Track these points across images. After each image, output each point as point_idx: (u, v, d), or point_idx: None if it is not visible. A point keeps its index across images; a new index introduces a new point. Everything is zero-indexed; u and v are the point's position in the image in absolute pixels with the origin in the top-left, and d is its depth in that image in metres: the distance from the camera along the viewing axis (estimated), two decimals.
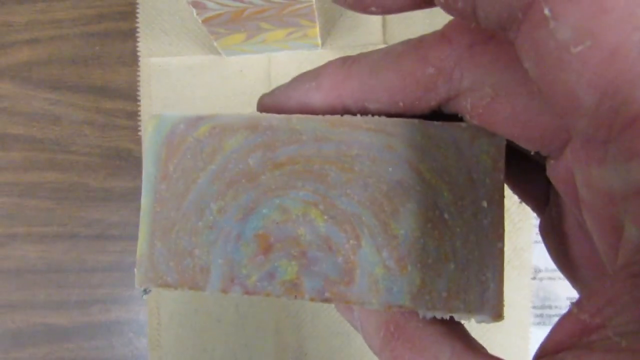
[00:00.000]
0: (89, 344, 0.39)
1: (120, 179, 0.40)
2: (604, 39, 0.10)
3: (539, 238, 0.37)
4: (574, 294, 0.37)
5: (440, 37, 0.15)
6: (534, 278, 0.38)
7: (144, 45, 0.40)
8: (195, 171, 0.15)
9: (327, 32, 0.40)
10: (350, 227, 0.15)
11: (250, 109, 0.19)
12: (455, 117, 0.15)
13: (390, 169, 0.15)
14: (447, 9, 0.13)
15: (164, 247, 0.15)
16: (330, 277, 0.15)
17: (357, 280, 0.14)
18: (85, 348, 0.39)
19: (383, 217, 0.15)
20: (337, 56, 0.41)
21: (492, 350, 0.14)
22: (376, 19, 0.40)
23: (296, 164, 0.15)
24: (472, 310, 0.14)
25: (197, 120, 0.16)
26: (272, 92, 0.17)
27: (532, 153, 0.15)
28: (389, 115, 0.15)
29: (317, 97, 0.16)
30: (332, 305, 0.37)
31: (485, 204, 0.14)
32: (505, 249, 0.34)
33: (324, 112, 0.16)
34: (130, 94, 0.40)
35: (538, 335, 0.37)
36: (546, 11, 0.11)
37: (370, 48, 0.39)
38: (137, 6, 0.40)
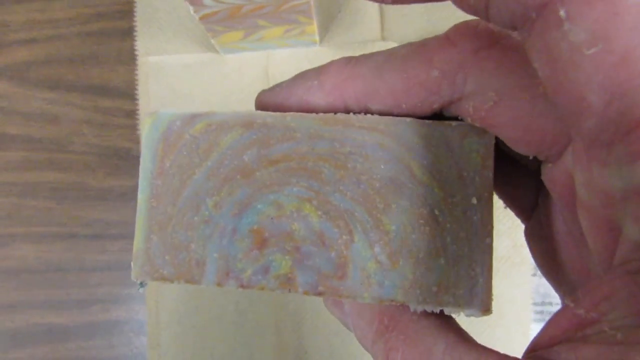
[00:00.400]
0: (89, 344, 0.39)
1: (119, 178, 0.39)
2: (616, 42, 0.10)
3: None
4: None
5: (445, 40, 0.15)
6: (534, 274, 0.37)
7: (142, 43, 0.40)
8: (191, 167, 0.16)
9: (325, 29, 0.39)
10: (343, 222, 0.15)
11: (249, 106, 0.19)
12: (455, 120, 0.16)
13: (382, 167, 0.15)
14: (460, 4, 0.13)
15: (160, 241, 0.16)
16: (324, 271, 0.15)
17: (349, 275, 0.15)
18: (84, 347, 0.38)
19: (375, 213, 0.15)
20: (336, 53, 0.41)
21: (492, 346, 0.14)
22: (374, 16, 0.40)
23: (290, 161, 0.15)
24: (462, 304, 0.15)
25: (193, 118, 0.16)
26: (272, 88, 0.17)
27: (530, 158, 0.15)
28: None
29: (318, 96, 0.16)
30: None
31: (474, 200, 0.15)
32: (505, 245, 0.34)
33: (324, 112, 0.16)
34: (129, 93, 0.40)
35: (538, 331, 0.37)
36: (561, 12, 0.11)
37: (369, 45, 0.39)
38: (135, 5, 0.40)
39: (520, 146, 0.15)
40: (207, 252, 0.15)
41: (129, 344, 0.38)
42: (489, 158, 0.15)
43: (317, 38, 0.38)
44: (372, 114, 0.16)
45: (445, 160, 0.15)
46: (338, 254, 0.15)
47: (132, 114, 0.40)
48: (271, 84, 0.17)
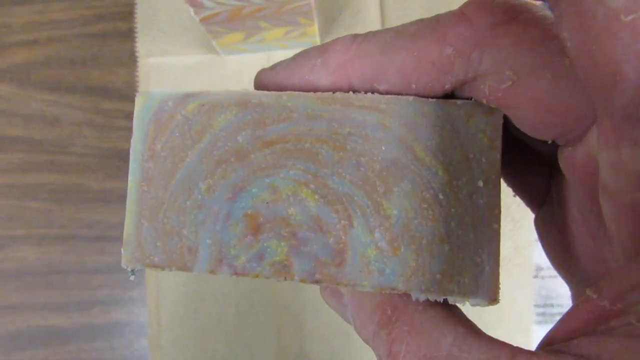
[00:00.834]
0: (90, 346, 0.38)
1: (119, 180, 0.39)
2: None
3: None
4: None
5: (460, 16, 0.14)
6: (535, 276, 0.37)
7: (143, 45, 0.40)
8: (184, 149, 0.15)
9: (326, 30, 0.39)
10: (341, 207, 0.14)
11: None
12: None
13: (383, 148, 0.14)
14: None
15: (151, 227, 0.15)
16: (321, 258, 0.14)
17: (348, 262, 0.14)
18: (85, 350, 0.38)
19: (376, 197, 0.14)
20: None
21: None
22: (375, 18, 0.40)
23: (287, 143, 0.15)
24: (467, 293, 0.14)
25: (186, 98, 0.15)
26: (273, 67, 0.16)
27: (549, 142, 0.14)
28: None
29: (322, 75, 0.15)
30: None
31: (481, 183, 0.14)
32: (507, 247, 0.34)
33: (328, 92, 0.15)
34: (129, 95, 0.40)
35: (540, 334, 0.37)
36: None
37: None
38: (135, 6, 0.40)
39: (538, 129, 0.14)
40: (200, 238, 0.15)
41: (129, 346, 0.38)
42: (496, 138, 0.14)
43: (318, 40, 0.38)
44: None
45: (450, 141, 0.14)
46: (336, 240, 0.14)
47: (132, 116, 0.40)
48: None
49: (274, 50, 0.39)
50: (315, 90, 0.15)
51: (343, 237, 0.14)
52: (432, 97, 0.15)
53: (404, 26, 0.15)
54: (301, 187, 0.15)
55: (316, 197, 0.15)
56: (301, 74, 0.15)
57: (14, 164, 0.40)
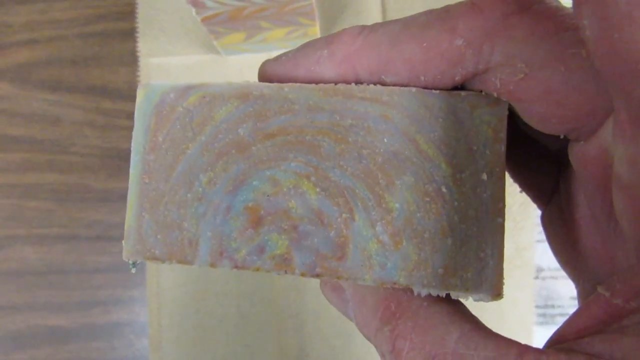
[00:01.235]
0: (90, 346, 0.38)
1: (120, 180, 0.39)
2: None
3: (542, 237, 0.37)
4: (577, 293, 0.37)
5: (471, 6, 0.14)
6: (536, 277, 0.37)
7: (144, 45, 0.40)
8: (185, 142, 0.15)
9: (328, 30, 0.39)
10: (343, 200, 0.14)
11: None
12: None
13: (385, 140, 0.14)
14: None
15: (152, 220, 0.15)
16: (322, 251, 0.14)
17: (349, 255, 0.14)
18: (86, 349, 0.38)
19: (377, 190, 0.14)
20: None
21: None
22: (377, 18, 0.40)
23: (288, 135, 0.15)
24: (470, 288, 0.14)
25: (187, 90, 0.15)
26: (278, 58, 0.16)
27: (561, 137, 0.14)
28: None
29: (328, 66, 0.15)
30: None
31: (485, 176, 0.14)
32: (507, 248, 0.34)
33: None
34: (130, 94, 0.40)
35: (541, 334, 0.37)
36: None
37: None
38: (137, 6, 0.40)
39: (550, 123, 0.14)
40: (200, 231, 0.15)
41: (130, 346, 0.38)
42: (501, 130, 0.14)
43: None
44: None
45: (453, 133, 0.14)
46: (337, 233, 0.14)
47: (133, 116, 0.40)
48: None
49: (275, 51, 0.39)
50: (320, 82, 0.15)
51: (344, 231, 0.14)
52: (441, 89, 0.14)
53: (413, 17, 0.14)
54: (302, 179, 0.14)
55: (317, 190, 0.14)
56: (307, 65, 0.15)
57: (15, 163, 0.40)
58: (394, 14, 0.40)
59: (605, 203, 0.13)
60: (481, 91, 0.14)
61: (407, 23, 0.14)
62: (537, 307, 0.37)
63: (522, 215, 0.32)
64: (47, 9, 0.41)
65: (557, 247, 0.17)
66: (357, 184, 0.14)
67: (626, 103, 0.11)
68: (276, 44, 0.38)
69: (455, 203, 0.14)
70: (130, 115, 0.40)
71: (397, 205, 0.14)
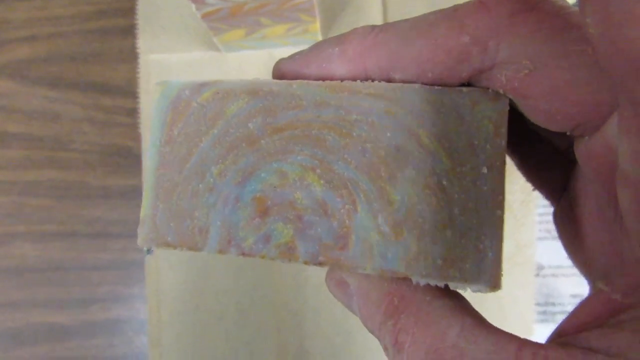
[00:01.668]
0: (90, 343, 0.38)
1: (119, 177, 0.39)
2: None
3: (542, 235, 0.37)
4: (577, 291, 0.37)
5: (478, 4, 0.14)
6: (537, 275, 0.37)
7: (144, 41, 0.39)
8: (198, 135, 0.16)
9: (328, 27, 0.39)
10: (346, 192, 0.15)
11: None
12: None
13: (389, 134, 0.15)
14: None
15: (166, 209, 0.16)
16: (325, 241, 0.15)
17: (351, 245, 0.15)
18: (85, 347, 0.38)
19: (380, 182, 0.15)
20: None
21: None
22: (377, 15, 0.39)
23: (295, 129, 0.15)
24: (469, 279, 0.14)
25: (201, 86, 0.16)
26: (292, 57, 0.17)
27: (568, 133, 0.14)
28: None
29: (339, 64, 0.16)
30: (335, 303, 0.36)
31: (485, 170, 0.14)
32: (508, 245, 0.34)
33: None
34: (130, 91, 0.40)
35: (541, 332, 0.37)
36: None
37: None
38: (137, 3, 0.40)
39: (555, 120, 0.14)
40: (211, 220, 0.15)
41: (129, 343, 0.38)
42: (502, 125, 0.14)
43: (319, 37, 0.38)
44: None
45: (455, 127, 0.15)
46: (340, 224, 0.15)
47: (133, 113, 0.40)
48: None
49: (275, 47, 0.39)
50: (331, 79, 0.16)
51: (347, 221, 0.15)
52: (449, 86, 0.15)
53: (424, 16, 0.15)
54: (308, 172, 0.15)
55: (322, 182, 0.15)
56: (318, 63, 0.16)
57: (14, 160, 0.40)
58: (394, 10, 0.40)
59: (611, 199, 0.14)
60: (488, 88, 0.15)
61: (417, 21, 0.15)
62: (538, 304, 0.37)
63: (523, 212, 0.32)
64: (46, 6, 0.41)
65: (568, 243, 0.17)
66: (360, 177, 0.15)
67: (630, 99, 0.11)
68: (276, 40, 0.38)
69: (456, 196, 0.14)
70: (129, 112, 0.40)
71: (398, 197, 0.14)
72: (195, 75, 0.39)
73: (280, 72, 0.17)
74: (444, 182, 0.14)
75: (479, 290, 0.14)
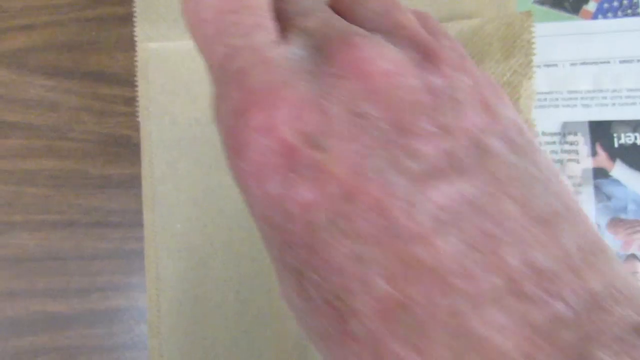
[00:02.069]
0: (89, 332, 0.38)
1: (118, 166, 0.39)
2: None
3: None
4: None
5: None
6: None
7: (141, 30, 0.39)
8: None
9: None
10: None
11: None
12: None
13: None
14: None
15: None
16: None
17: None
18: (85, 336, 0.38)
19: None
20: None
21: None
22: None
23: None
24: None
25: None
26: None
27: None
28: None
29: None
30: None
31: None
32: None
33: None
34: (128, 80, 0.40)
35: None
36: None
37: None
38: None
39: None
40: None
41: (129, 332, 0.38)
42: None
43: None
44: None
45: None
46: None
47: (131, 101, 0.39)
48: None
49: None
50: None
51: None
52: None
53: None
54: None
55: None
56: None
57: (12, 149, 0.40)
58: None
59: None
60: None
61: None
62: None
63: None
64: None
65: None
66: None
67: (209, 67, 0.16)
68: None
69: None
70: (128, 101, 0.40)
71: None
72: (194, 63, 0.39)
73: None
74: None
75: None
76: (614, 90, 0.38)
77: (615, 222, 0.37)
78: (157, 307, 0.37)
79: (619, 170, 0.37)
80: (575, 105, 0.38)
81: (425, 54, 0.14)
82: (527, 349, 0.11)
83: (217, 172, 0.38)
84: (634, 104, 0.38)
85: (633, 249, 0.37)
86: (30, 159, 0.39)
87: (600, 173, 0.38)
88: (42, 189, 0.39)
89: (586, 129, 0.38)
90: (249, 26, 0.15)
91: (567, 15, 0.39)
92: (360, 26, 0.15)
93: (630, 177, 0.37)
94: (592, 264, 0.13)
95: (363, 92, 0.13)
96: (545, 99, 0.39)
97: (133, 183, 0.39)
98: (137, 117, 0.39)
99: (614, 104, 0.38)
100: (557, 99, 0.39)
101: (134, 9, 0.39)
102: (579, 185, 0.38)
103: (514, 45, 0.33)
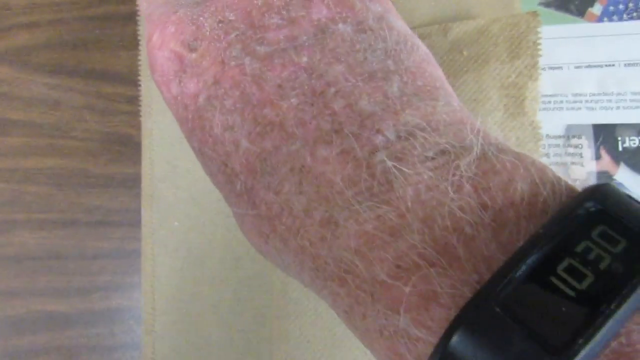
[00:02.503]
0: (90, 331, 0.38)
1: (120, 165, 0.39)
2: None
3: None
4: None
5: None
6: None
7: (145, 28, 0.39)
8: None
9: None
10: None
11: None
12: None
13: None
14: None
15: None
16: None
17: None
18: (85, 335, 0.38)
19: None
20: None
21: None
22: None
23: None
24: None
25: None
26: None
27: None
28: None
29: None
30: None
31: None
32: None
33: None
34: (131, 79, 0.39)
35: None
36: None
37: None
38: None
39: None
40: None
41: (130, 332, 0.38)
42: None
43: None
44: None
45: None
46: None
47: (134, 100, 0.39)
48: None
49: None
50: None
51: None
52: None
53: None
54: None
55: None
56: None
57: (14, 147, 0.39)
58: (400, 5, 0.39)
59: None
60: None
61: None
62: None
63: None
64: None
65: None
66: None
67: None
68: None
69: None
70: (130, 100, 0.40)
71: None
72: None
73: None
74: None
75: None
76: (619, 94, 0.38)
77: None
78: (152, 305, 0.37)
79: (623, 174, 0.37)
80: (579, 108, 0.38)
81: None
82: (348, 173, 0.15)
83: None
84: (638, 107, 0.38)
85: None
86: (32, 157, 0.39)
87: (604, 177, 0.37)
88: (43, 187, 0.39)
89: (590, 132, 0.38)
90: None
91: (572, 17, 0.39)
92: None
93: (635, 181, 0.37)
94: (413, 104, 0.16)
95: (226, 6, 0.18)
96: (549, 102, 0.39)
97: (135, 182, 0.38)
98: (140, 116, 0.39)
99: (618, 107, 0.38)
100: (561, 102, 0.38)
101: (137, 7, 0.39)
102: None
103: (520, 46, 0.33)
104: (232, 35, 0.17)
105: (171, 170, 0.38)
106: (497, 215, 0.14)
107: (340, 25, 0.17)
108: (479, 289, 0.13)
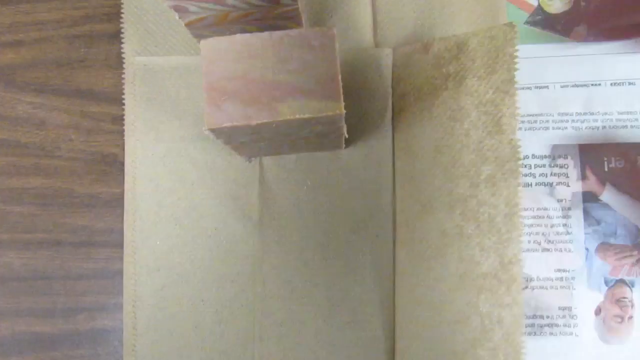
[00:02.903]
0: (75, 352, 0.38)
1: (105, 185, 0.39)
2: None
3: (531, 246, 0.37)
4: (565, 304, 0.37)
5: None
6: (525, 287, 0.37)
7: (129, 45, 0.39)
8: None
9: None
10: None
11: None
12: None
13: None
14: None
15: None
16: None
17: None
18: (70, 356, 0.38)
19: None
20: None
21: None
22: (366, 21, 0.39)
23: None
24: None
25: None
26: None
27: None
28: None
29: None
30: (320, 315, 0.36)
31: None
32: (491, 261, 0.33)
33: None
34: (116, 98, 0.39)
35: (529, 345, 0.36)
36: None
37: (360, 51, 0.38)
38: (122, 7, 0.39)
39: None
40: None
41: (114, 353, 0.38)
42: None
43: None
44: None
45: None
46: None
47: (119, 120, 0.39)
48: None
49: None
50: None
51: None
52: None
53: None
54: None
55: None
56: None
57: None
58: (384, 17, 0.39)
59: None
60: None
61: None
62: (526, 317, 0.37)
63: (507, 226, 0.31)
64: (32, 10, 0.40)
65: None
66: None
67: None
68: None
69: None
70: (116, 119, 0.39)
71: None
72: (181, 79, 0.39)
73: None
74: None
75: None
76: (605, 113, 0.38)
77: (605, 247, 0.37)
78: (133, 324, 0.37)
79: (609, 195, 0.37)
80: (565, 128, 0.38)
81: None
82: None
83: (200, 190, 0.38)
84: (624, 127, 0.38)
85: (622, 274, 0.37)
86: (17, 177, 0.39)
87: (589, 197, 0.37)
88: (28, 207, 0.39)
89: (576, 152, 0.38)
90: None
91: (558, 37, 0.39)
92: None
93: (620, 202, 0.37)
94: None
95: None
96: (535, 121, 0.38)
97: (120, 202, 0.38)
98: (124, 135, 0.39)
99: (604, 127, 0.38)
100: (547, 121, 0.38)
101: (122, 25, 0.39)
102: (568, 209, 0.37)
103: (497, 60, 0.32)
104: None
105: (154, 188, 0.38)
106: None
107: None
108: None
